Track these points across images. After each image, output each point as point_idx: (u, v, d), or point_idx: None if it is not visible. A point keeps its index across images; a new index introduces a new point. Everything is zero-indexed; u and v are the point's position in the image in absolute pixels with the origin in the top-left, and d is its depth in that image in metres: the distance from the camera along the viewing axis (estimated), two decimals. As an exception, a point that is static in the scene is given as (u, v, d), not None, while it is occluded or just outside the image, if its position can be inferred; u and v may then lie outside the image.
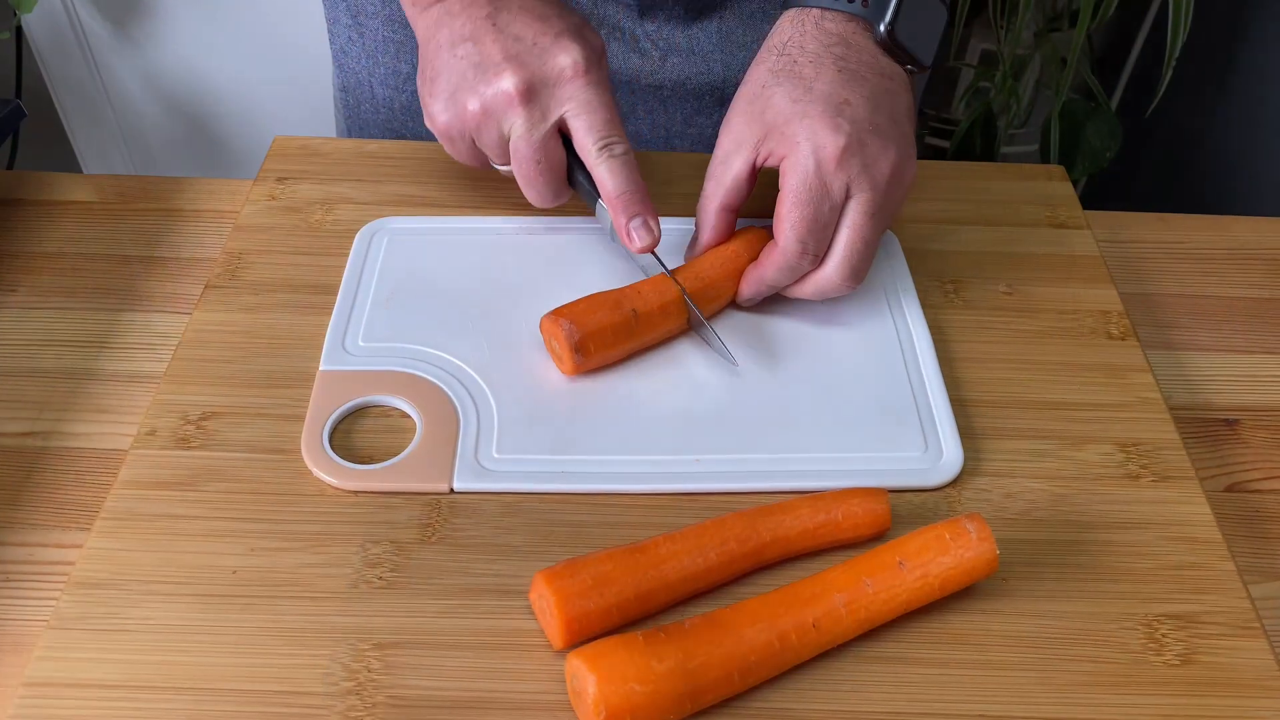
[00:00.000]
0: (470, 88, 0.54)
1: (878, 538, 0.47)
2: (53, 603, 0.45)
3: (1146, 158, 1.32)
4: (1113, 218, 0.68)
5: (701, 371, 0.55)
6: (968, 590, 0.45)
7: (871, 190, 0.52)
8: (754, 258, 0.56)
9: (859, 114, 0.52)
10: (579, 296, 0.54)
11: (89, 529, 0.47)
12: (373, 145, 0.69)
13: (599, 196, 0.56)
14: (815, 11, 0.55)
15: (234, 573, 0.45)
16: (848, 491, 0.47)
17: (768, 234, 0.55)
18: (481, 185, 0.66)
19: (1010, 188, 0.68)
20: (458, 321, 0.57)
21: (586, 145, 0.55)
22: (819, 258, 0.54)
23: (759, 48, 0.57)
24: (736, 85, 0.60)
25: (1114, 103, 1.43)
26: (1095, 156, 1.31)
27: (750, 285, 0.56)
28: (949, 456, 0.50)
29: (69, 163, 1.45)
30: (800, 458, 0.50)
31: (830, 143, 0.51)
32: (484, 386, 0.53)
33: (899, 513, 0.48)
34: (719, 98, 0.75)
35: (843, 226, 0.53)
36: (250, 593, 0.45)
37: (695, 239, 0.58)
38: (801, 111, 0.52)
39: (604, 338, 0.53)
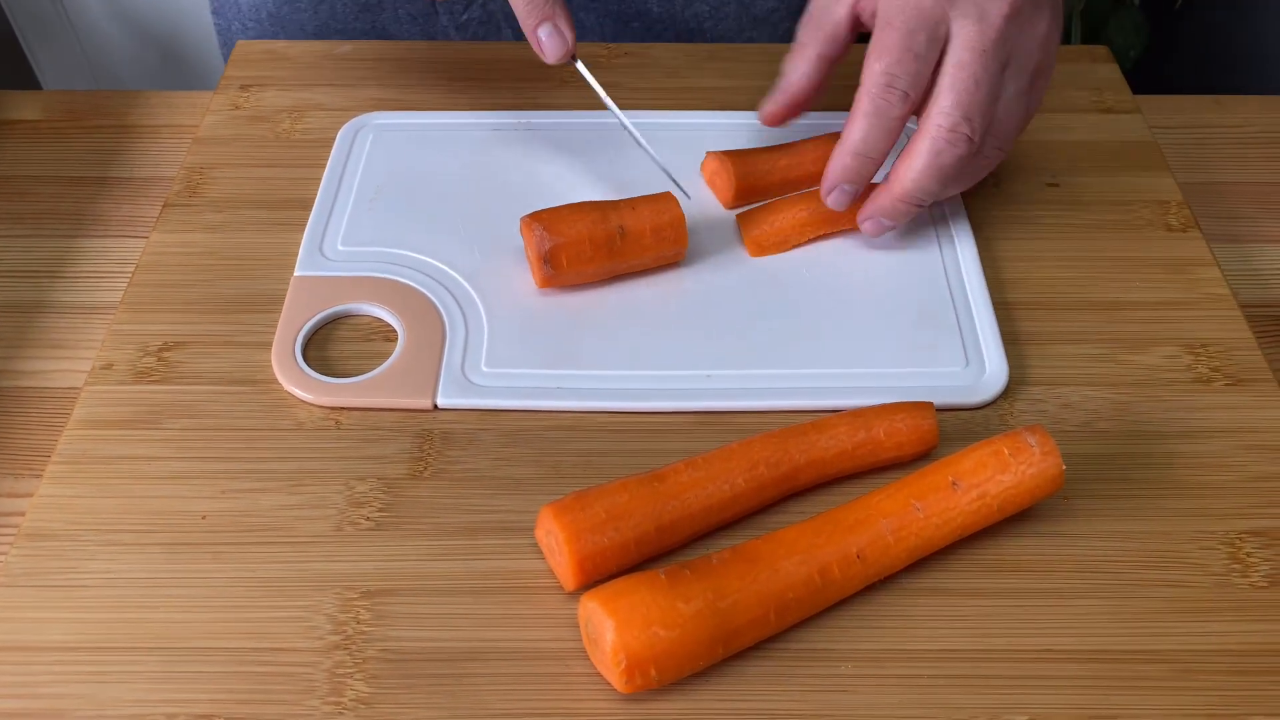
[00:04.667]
0: None
1: (924, 457, 0.42)
2: (2, 558, 0.40)
3: (1178, 55, 1.24)
4: (1164, 101, 0.61)
5: (713, 278, 0.49)
6: (1026, 513, 0.40)
7: (979, 22, 0.44)
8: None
9: None
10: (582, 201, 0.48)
11: (42, 475, 0.42)
12: (346, 46, 0.62)
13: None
14: None
15: (203, 518, 0.41)
16: (890, 406, 0.42)
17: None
18: (467, 85, 0.60)
19: (1050, 71, 0.61)
20: (446, 224, 0.52)
21: None
22: (910, 97, 0.46)
23: None
24: None
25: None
26: (1119, 56, 1.25)
27: (869, 211, 0.49)
28: (993, 371, 0.45)
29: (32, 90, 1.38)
30: (825, 374, 0.45)
31: None
32: (473, 294, 0.48)
33: (945, 430, 0.43)
34: None
35: (945, 65, 0.45)
36: (222, 540, 0.40)
37: (777, 86, 0.50)
38: None
39: (580, 251, 0.47)
